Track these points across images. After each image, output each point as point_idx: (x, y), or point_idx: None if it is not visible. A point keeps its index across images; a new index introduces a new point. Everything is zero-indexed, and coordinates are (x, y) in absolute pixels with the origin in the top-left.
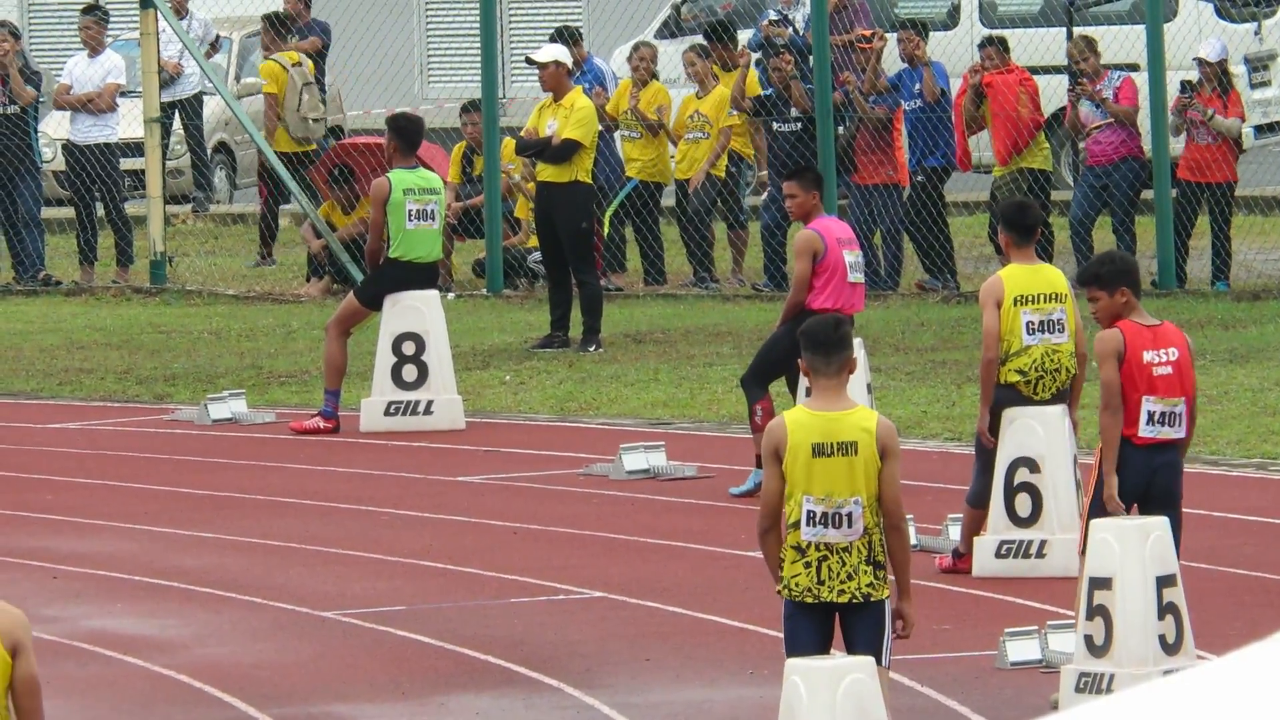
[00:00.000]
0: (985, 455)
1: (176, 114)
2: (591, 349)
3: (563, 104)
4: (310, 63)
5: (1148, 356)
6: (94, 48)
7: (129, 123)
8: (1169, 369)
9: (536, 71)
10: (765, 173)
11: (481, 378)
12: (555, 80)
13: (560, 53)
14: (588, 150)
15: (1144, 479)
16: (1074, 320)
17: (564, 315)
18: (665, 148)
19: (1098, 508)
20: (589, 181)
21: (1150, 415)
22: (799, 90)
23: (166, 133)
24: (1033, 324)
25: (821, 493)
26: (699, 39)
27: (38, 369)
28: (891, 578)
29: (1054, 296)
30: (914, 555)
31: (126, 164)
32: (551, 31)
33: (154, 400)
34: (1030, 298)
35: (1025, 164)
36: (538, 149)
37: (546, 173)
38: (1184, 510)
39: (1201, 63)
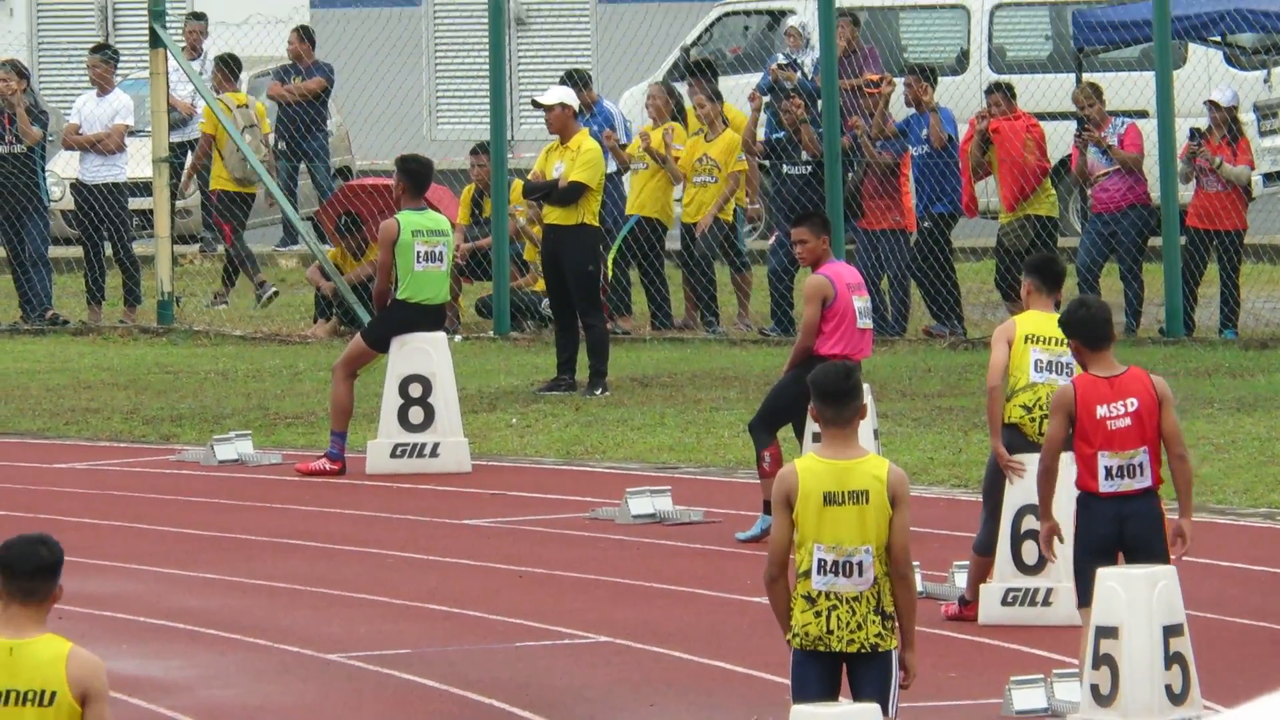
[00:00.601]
0: (992, 502)
1: (189, 154)
2: (597, 392)
3: (569, 146)
4: (259, 105)
5: (1101, 411)
6: (103, 87)
7: (137, 162)
8: (1127, 421)
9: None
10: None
11: (488, 420)
12: (561, 122)
13: (566, 95)
14: (595, 193)
15: (1114, 529)
16: None
17: (570, 358)
18: (669, 187)
19: (1079, 560)
20: (596, 224)
21: (1108, 470)
22: (809, 134)
23: (178, 172)
24: (1040, 362)
25: (832, 541)
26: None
27: (44, 408)
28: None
29: (1065, 341)
30: (919, 602)
31: (135, 203)
32: (560, 74)
33: (160, 440)
34: (1042, 338)
35: (1032, 210)
36: (544, 191)
37: (553, 215)
38: (1191, 560)
39: (1213, 106)
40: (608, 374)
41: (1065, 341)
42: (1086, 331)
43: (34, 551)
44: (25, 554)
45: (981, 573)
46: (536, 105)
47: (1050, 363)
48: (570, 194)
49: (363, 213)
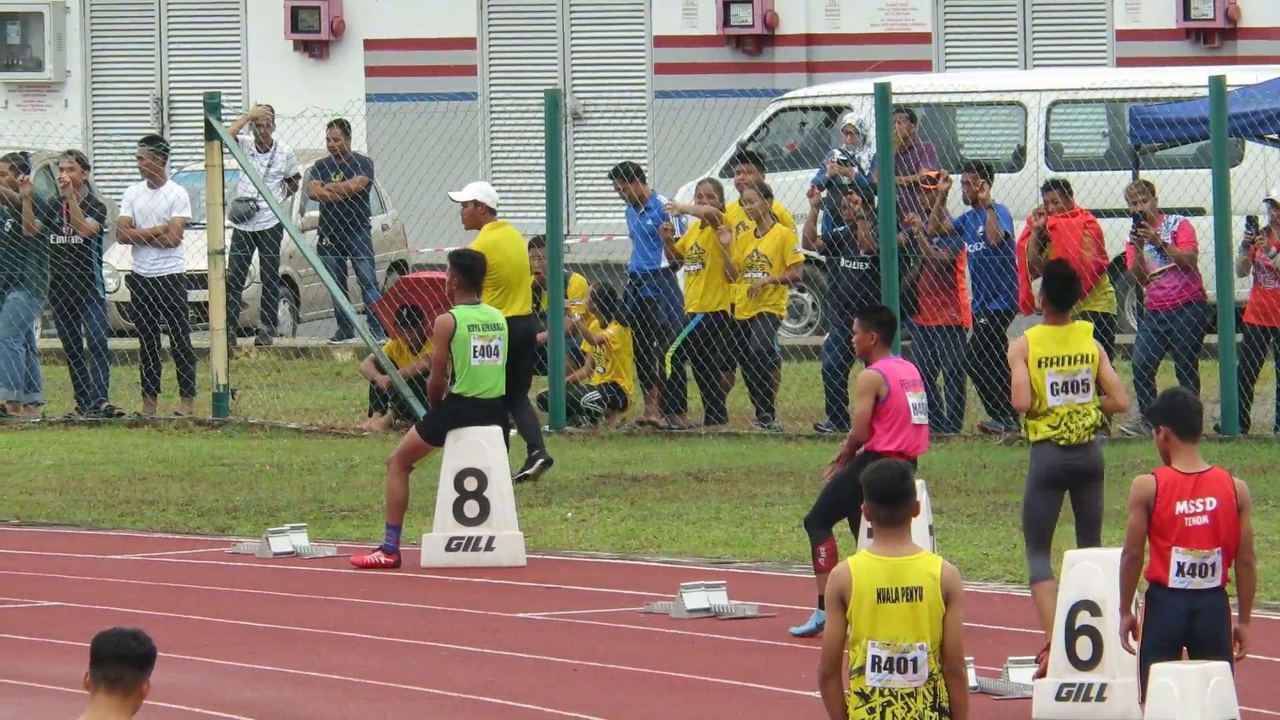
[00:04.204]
0: (1035, 538)
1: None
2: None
3: None
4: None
5: (1180, 507)
6: (154, 179)
7: (192, 254)
8: (1204, 519)
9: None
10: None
11: (543, 514)
12: (472, 218)
13: (479, 191)
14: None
15: (1184, 622)
16: (1108, 377)
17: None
18: (726, 282)
19: (1144, 654)
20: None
21: (1180, 566)
22: (865, 230)
23: (246, 264)
24: (1056, 385)
25: (886, 638)
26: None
27: (100, 500)
28: None
29: (1080, 358)
30: (972, 697)
31: (192, 295)
32: (614, 168)
33: (216, 532)
34: (1054, 359)
35: (1089, 307)
36: None
37: None
38: (1247, 656)
39: (1273, 204)
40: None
41: (1079, 359)
42: (1175, 420)
43: (122, 641)
44: (112, 642)
45: (1048, 600)
46: (452, 200)
47: (1066, 383)
48: None
49: (423, 311)
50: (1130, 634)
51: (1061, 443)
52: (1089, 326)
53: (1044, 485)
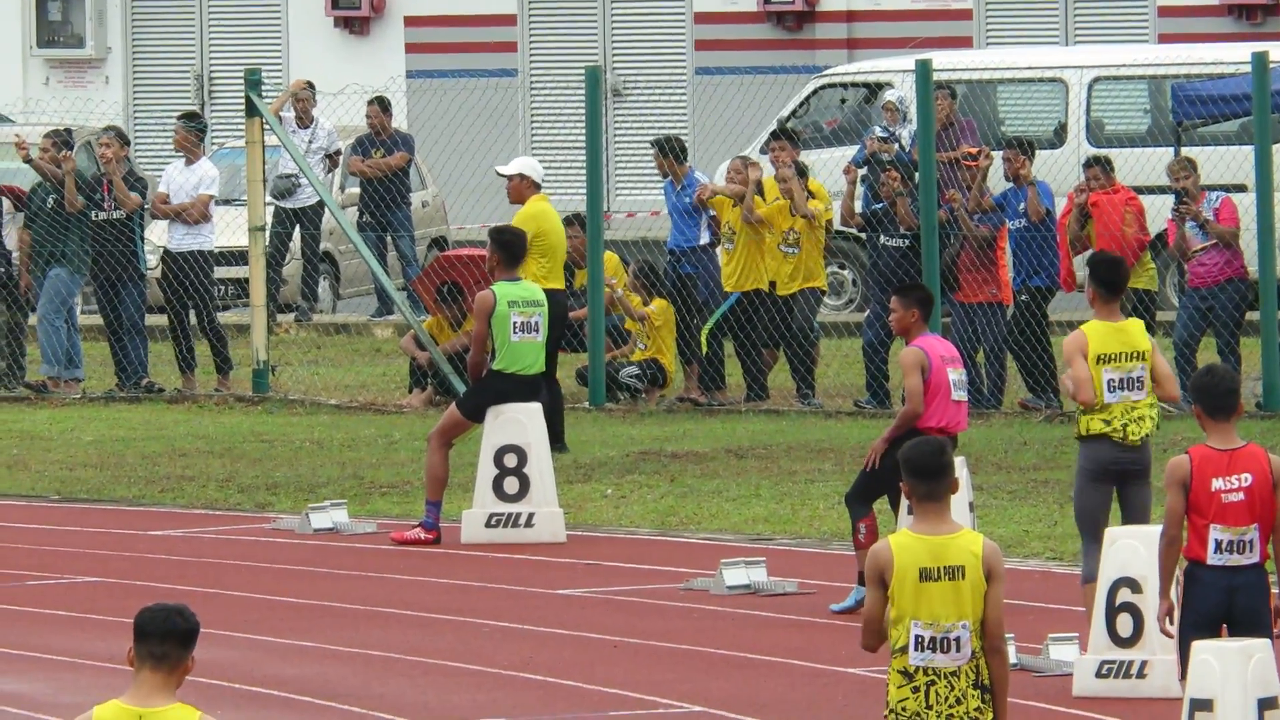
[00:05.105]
0: (1089, 532)
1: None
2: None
3: None
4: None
5: (1217, 484)
6: (190, 154)
7: (233, 231)
8: (1240, 495)
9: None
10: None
11: (583, 491)
12: (517, 192)
13: (525, 165)
14: (531, 256)
15: (1223, 599)
16: (1161, 369)
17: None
18: (763, 255)
19: (1184, 631)
20: (550, 286)
21: (1218, 544)
22: (905, 207)
23: (287, 242)
24: (1113, 382)
25: (929, 618)
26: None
27: (140, 476)
28: None
29: (1135, 355)
30: (1012, 674)
31: (232, 272)
32: (658, 138)
33: (256, 509)
34: (1111, 356)
35: (1130, 284)
36: None
37: None
38: None
39: None
40: (561, 439)
41: (1135, 355)
42: (1207, 400)
43: (167, 617)
44: (157, 618)
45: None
46: (499, 174)
47: (1122, 380)
48: None
49: (463, 288)
50: (1168, 618)
51: (1116, 438)
52: (1141, 323)
53: (1094, 480)
